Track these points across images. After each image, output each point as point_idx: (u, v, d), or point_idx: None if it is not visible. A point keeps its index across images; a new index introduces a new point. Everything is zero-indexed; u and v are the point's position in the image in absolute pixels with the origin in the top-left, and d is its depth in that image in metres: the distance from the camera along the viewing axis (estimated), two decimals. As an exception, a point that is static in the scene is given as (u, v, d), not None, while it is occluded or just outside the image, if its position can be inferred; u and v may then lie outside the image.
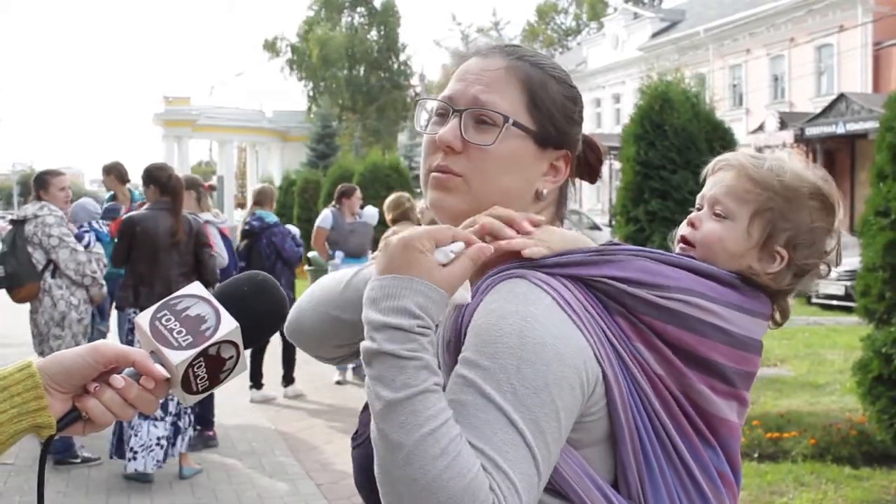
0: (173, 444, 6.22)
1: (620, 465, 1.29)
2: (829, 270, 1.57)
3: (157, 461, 6.11)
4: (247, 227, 8.98)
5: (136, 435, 6.07)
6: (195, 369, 1.23)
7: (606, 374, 1.26)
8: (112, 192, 8.35)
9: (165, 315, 1.25)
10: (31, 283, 6.54)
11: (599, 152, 1.57)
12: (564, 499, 1.27)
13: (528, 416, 1.19)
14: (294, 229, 9.57)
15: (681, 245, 1.56)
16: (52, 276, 6.58)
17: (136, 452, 6.07)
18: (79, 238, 6.86)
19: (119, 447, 6.26)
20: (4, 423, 1.17)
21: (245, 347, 1.27)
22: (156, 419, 6.08)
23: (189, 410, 6.33)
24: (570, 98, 1.48)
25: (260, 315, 1.31)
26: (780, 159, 1.56)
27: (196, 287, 1.29)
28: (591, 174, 1.59)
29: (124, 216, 6.77)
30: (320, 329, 1.58)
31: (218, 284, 1.34)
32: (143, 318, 1.25)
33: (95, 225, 7.46)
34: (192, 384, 1.25)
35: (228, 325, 1.24)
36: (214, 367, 1.25)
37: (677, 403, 1.33)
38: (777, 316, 1.52)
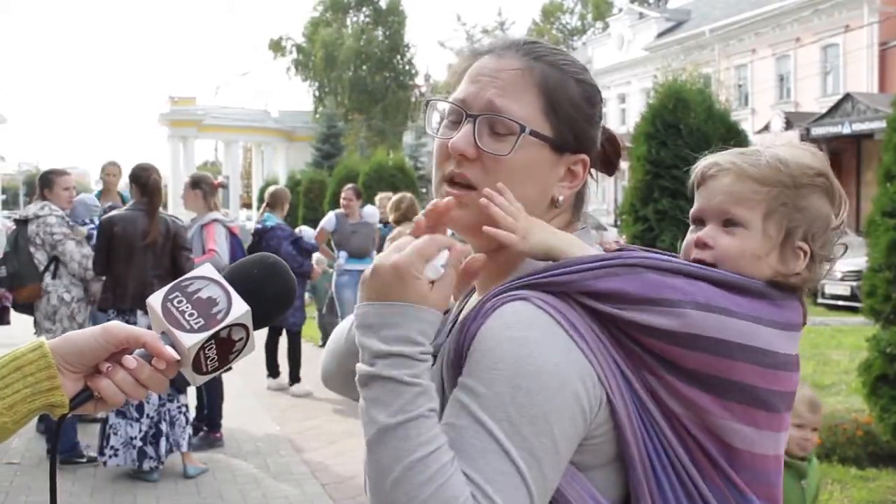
0: (155, 446, 6.19)
1: (632, 491, 1.24)
2: (842, 253, 1.45)
3: (133, 459, 6.16)
4: (253, 231, 9.26)
5: (115, 434, 6.14)
6: (206, 351, 1.24)
7: (612, 397, 1.21)
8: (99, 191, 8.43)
9: (177, 297, 1.26)
10: (32, 284, 6.56)
11: (618, 146, 1.50)
12: None
13: (522, 446, 1.16)
14: (308, 231, 9.59)
15: None
16: (53, 277, 6.60)
17: (116, 450, 6.14)
18: (89, 238, 6.88)
19: (101, 449, 6.25)
20: (18, 403, 1.18)
21: (254, 329, 1.28)
22: (132, 419, 6.12)
23: (183, 410, 6.31)
24: (588, 99, 1.41)
25: (269, 298, 1.31)
26: (771, 149, 1.45)
27: (207, 269, 1.29)
28: (609, 167, 1.52)
29: (103, 217, 6.75)
30: (344, 379, 1.53)
31: (228, 267, 1.33)
32: (154, 300, 1.26)
33: (97, 220, 7.48)
34: (203, 365, 1.26)
35: (240, 309, 1.25)
36: (225, 348, 1.27)
37: (700, 448, 1.25)
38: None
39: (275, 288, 1.33)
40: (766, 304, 1.29)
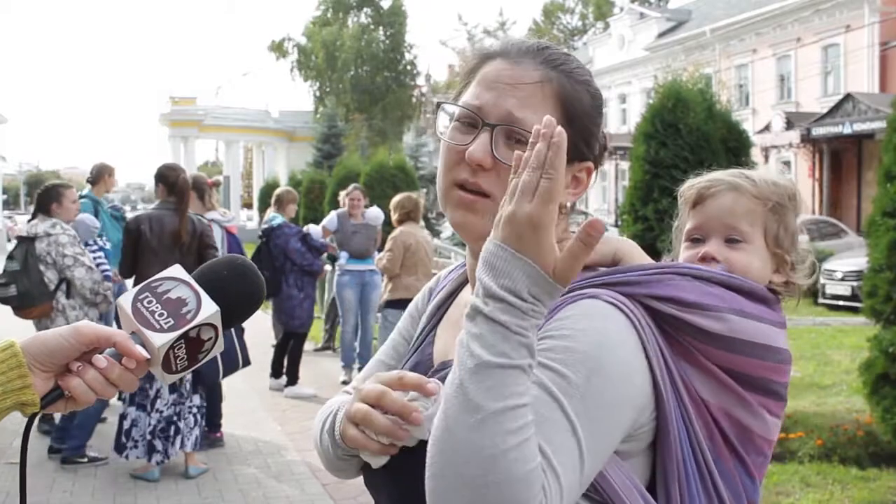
0: (164, 441, 6.22)
1: (663, 478, 1.29)
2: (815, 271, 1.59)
3: (145, 453, 6.21)
4: (261, 231, 9.33)
5: (136, 426, 6.20)
6: (176, 350, 1.26)
7: (660, 391, 1.26)
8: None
9: (147, 297, 1.28)
10: (43, 303, 6.48)
11: (605, 143, 1.53)
12: None
13: (588, 427, 1.18)
14: (315, 229, 9.60)
15: None
16: (67, 297, 6.54)
17: (136, 441, 6.20)
18: (98, 264, 6.87)
19: (119, 444, 6.27)
20: None
21: (223, 329, 1.30)
22: (148, 412, 6.17)
23: (194, 411, 6.33)
24: (597, 108, 1.45)
25: (238, 298, 1.33)
26: (755, 171, 1.57)
27: (177, 270, 1.32)
28: (596, 161, 1.53)
29: (130, 217, 6.76)
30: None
31: (198, 269, 1.35)
32: (125, 300, 1.28)
33: (100, 242, 7.49)
34: (172, 364, 1.28)
35: (209, 309, 1.27)
36: (194, 348, 1.28)
37: (719, 431, 1.33)
38: None
39: (243, 288, 1.35)
40: (771, 309, 1.42)
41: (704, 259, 1.50)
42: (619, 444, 1.26)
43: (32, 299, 6.47)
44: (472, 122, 1.39)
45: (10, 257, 6.60)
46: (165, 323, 1.25)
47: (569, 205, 1.44)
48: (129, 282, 6.79)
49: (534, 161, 1.16)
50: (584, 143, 1.42)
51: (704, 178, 1.56)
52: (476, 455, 1.10)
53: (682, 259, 1.54)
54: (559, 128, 1.16)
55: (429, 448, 1.16)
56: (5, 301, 6.55)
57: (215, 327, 1.29)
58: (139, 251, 6.29)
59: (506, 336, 1.14)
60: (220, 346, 1.32)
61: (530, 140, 1.18)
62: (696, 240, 1.54)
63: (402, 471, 1.33)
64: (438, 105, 1.45)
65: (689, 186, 1.57)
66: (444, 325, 1.60)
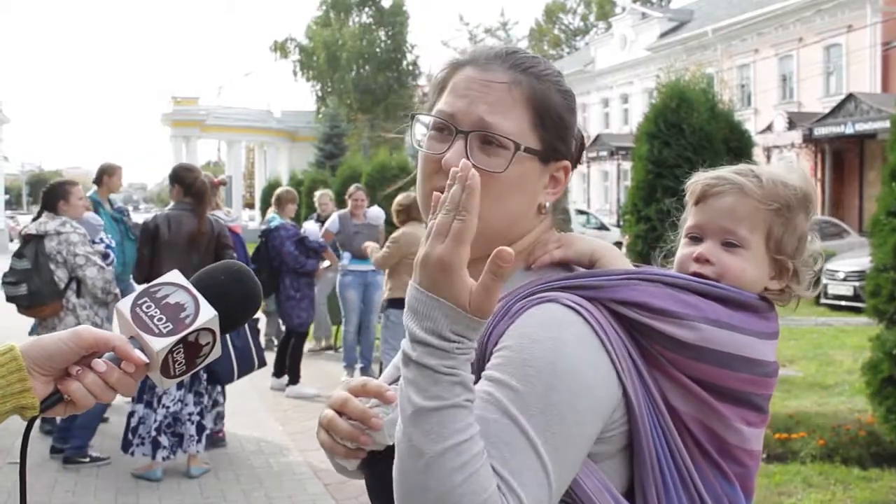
0: (170, 437, 6.24)
1: (639, 482, 1.29)
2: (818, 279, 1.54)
3: (146, 453, 6.22)
4: (260, 232, 9.40)
5: (143, 424, 6.21)
6: (174, 355, 1.27)
7: (629, 394, 1.26)
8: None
9: (146, 302, 1.30)
10: (54, 302, 6.43)
11: (583, 141, 1.55)
12: None
13: (550, 442, 1.19)
14: (312, 229, 9.59)
15: None
16: (78, 296, 6.51)
17: (143, 438, 6.22)
18: (105, 256, 6.86)
19: (125, 441, 6.28)
20: None
21: (221, 333, 1.31)
22: (154, 409, 6.18)
23: (194, 419, 6.32)
24: (569, 109, 1.46)
25: (235, 303, 1.35)
26: (766, 168, 1.51)
27: (175, 275, 1.34)
28: (573, 161, 1.55)
29: (147, 217, 6.75)
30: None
31: (196, 274, 1.36)
32: (123, 305, 1.29)
33: (105, 239, 7.48)
34: (171, 369, 1.29)
35: (207, 314, 1.29)
36: (192, 352, 1.30)
37: (692, 439, 1.33)
38: None
39: (241, 293, 1.36)
40: (758, 318, 1.39)
41: (698, 260, 1.46)
42: (592, 447, 1.26)
43: (43, 298, 6.41)
44: (446, 130, 1.40)
45: (20, 255, 6.51)
46: (164, 328, 1.27)
47: (548, 204, 1.46)
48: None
49: (449, 203, 1.18)
50: (560, 142, 1.43)
51: (711, 175, 1.52)
52: (426, 496, 1.14)
53: (678, 256, 1.52)
54: (474, 171, 1.18)
55: (393, 488, 1.19)
56: (15, 300, 6.48)
57: (213, 332, 1.30)
58: (155, 251, 6.30)
59: (436, 379, 1.16)
60: (217, 350, 1.33)
61: (447, 182, 1.20)
62: (694, 238, 1.50)
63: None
64: (412, 116, 1.47)
65: (696, 181, 1.54)
66: None
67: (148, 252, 6.34)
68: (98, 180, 8.49)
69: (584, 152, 1.56)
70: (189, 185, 6.41)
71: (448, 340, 1.16)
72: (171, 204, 6.56)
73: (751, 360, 1.33)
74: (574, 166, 1.53)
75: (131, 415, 6.25)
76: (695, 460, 1.33)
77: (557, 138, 1.43)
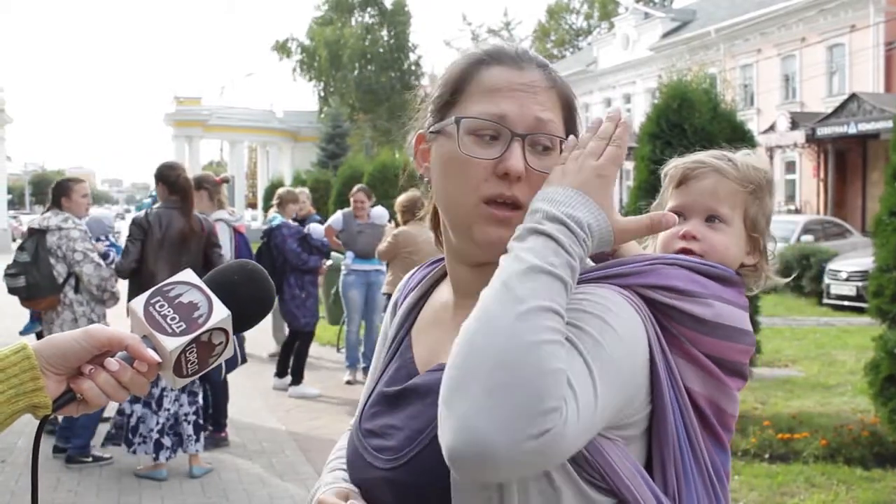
0: (190, 440, 6.26)
1: (659, 461, 1.30)
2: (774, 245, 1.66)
3: (148, 452, 6.24)
4: (262, 232, 9.41)
5: (143, 423, 6.22)
6: (187, 354, 1.27)
7: (659, 376, 1.28)
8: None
9: (159, 301, 1.28)
10: (51, 296, 6.52)
11: None
12: (616, 497, 1.26)
13: (598, 370, 1.17)
14: (316, 228, 9.60)
15: None
16: (75, 292, 6.55)
17: (144, 437, 6.23)
18: (105, 256, 6.88)
19: (127, 440, 6.29)
20: (2, 404, 1.20)
21: (233, 333, 1.31)
22: (154, 411, 6.19)
23: (191, 419, 6.34)
24: (576, 108, 1.49)
25: (248, 303, 1.34)
26: (735, 154, 1.63)
27: (188, 274, 1.33)
28: None
29: (132, 218, 6.77)
30: None
31: (209, 273, 1.36)
32: (137, 304, 1.28)
33: (112, 238, 7.49)
34: (183, 368, 1.28)
35: (220, 313, 1.28)
36: (205, 352, 1.29)
37: (700, 415, 1.36)
38: None
39: (254, 293, 1.36)
40: (740, 292, 1.44)
41: (685, 237, 1.53)
42: (623, 431, 1.27)
43: (40, 291, 6.51)
44: (494, 133, 1.36)
45: (22, 248, 6.64)
46: (178, 327, 1.26)
47: None
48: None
49: (601, 133, 1.29)
50: None
51: (689, 159, 1.62)
52: (516, 339, 1.10)
53: (662, 236, 1.56)
54: (626, 113, 1.21)
55: (461, 337, 1.14)
56: (14, 291, 6.60)
57: (226, 332, 1.29)
58: (145, 250, 6.30)
59: (557, 251, 1.18)
60: (230, 350, 1.33)
61: (585, 132, 1.30)
62: (678, 214, 1.56)
63: (398, 485, 1.35)
64: (457, 121, 1.39)
65: (674, 166, 1.63)
66: (419, 326, 1.59)
67: (137, 248, 6.34)
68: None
69: None
70: (172, 183, 6.42)
71: (581, 229, 1.21)
72: (159, 203, 6.57)
73: (745, 332, 1.39)
74: None
75: (128, 414, 6.24)
76: (705, 435, 1.37)
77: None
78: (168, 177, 6.44)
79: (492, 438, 1.06)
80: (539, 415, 1.07)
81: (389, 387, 1.50)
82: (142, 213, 6.59)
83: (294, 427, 8.00)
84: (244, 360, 6.91)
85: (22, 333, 8.13)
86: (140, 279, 6.32)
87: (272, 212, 9.88)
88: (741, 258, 1.55)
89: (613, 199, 1.26)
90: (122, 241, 7.82)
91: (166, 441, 6.22)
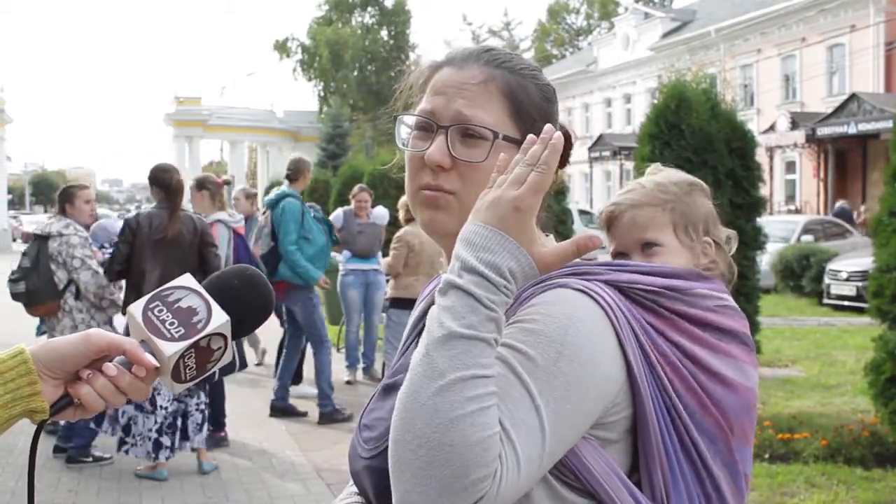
0: (172, 436, 6.25)
1: (644, 465, 1.30)
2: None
3: (149, 451, 6.22)
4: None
5: (135, 424, 6.22)
6: (185, 359, 1.26)
7: (634, 375, 1.28)
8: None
9: (158, 306, 1.28)
10: (51, 302, 6.53)
11: (570, 139, 1.58)
12: (593, 498, 1.27)
13: (551, 407, 1.19)
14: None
15: None
16: (76, 299, 6.56)
17: (136, 438, 6.23)
18: (104, 264, 6.88)
19: (119, 441, 6.30)
20: None
21: (232, 338, 1.31)
22: (148, 412, 6.18)
23: (202, 408, 6.35)
24: (547, 99, 1.49)
25: (248, 308, 1.34)
26: (646, 179, 1.71)
27: (187, 279, 1.32)
28: (561, 161, 1.57)
29: (129, 215, 6.77)
30: None
31: (208, 278, 1.36)
32: (135, 308, 1.28)
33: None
34: (182, 373, 1.28)
35: (220, 318, 1.28)
36: (203, 357, 1.29)
37: (712, 401, 1.35)
38: None
39: (253, 298, 1.35)
40: (710, 281, 1.46)
41: None
42: (598, 432, 1.28)
43: (40, 297, 6.53)
44: (427, 127, 1.44)
45: (25, 254, 6.69)
46: (176, 332, 1.25)
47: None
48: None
49: (528, 159, 1.24)
50: (538, 133, 1.44)
51: (609, 203, 1.73)
52: (435, 417, 1.13)
53: None
54: (558, 133, 1.24)
55: (393, 416, 1.19)
56: (16, 297, 6.62)
57: (225, 337, 1.29)
58: (135, 251, 6.30)
59: (475, 309, 1.18)
60: (228, 355, 1.32)
61: (522, 146, 1.27)
62: (621, 254, 1.69)
63: (377, 472, 1.37)
64: (395, 118, 1.52)
65: (601, 212, 1.74)
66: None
67: (125, 249, 6.33)
68: (294, 175, 8.40)
69: (588, 151, 1.59)
70: (167, 186, 6.42)
71: (502, 276, 1.19)
72: (153, 205, 6.57)
73: (730, 307, 1.44)
74: (563, 164, 1.57)
75: (118, 415, 6.24)
76: (708, 433, 1.34)
77: (536, 128, 1.42)
78: (163, 179, 6.44)
79: None
80: (466, 488, 1.11)
81: (388, 379, 1.55)
82: (132, 214, 6.60)
83: (294, 427, 8.00)
84: (243, 365, 6.91)
85: (38, 335, 8.14)
86: (132, 279, 6.33)
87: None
88: (692, 265, 1.62)
89: (534, 231, 1.24)
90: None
91: (165, 440, 6.22)
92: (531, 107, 1.45)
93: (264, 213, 8.40)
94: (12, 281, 6.60)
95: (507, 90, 1.44)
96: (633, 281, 1.34)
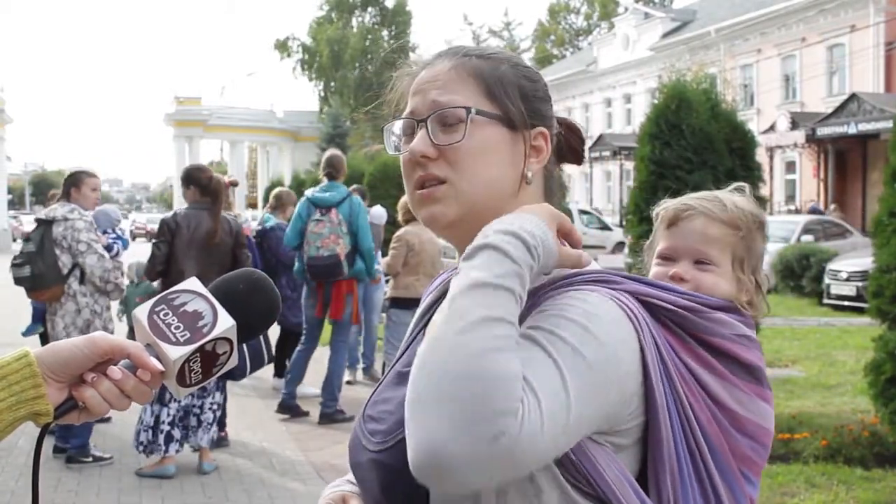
0: (192, 433, 6.28)
1: (654, 473, 1.30)
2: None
3: (160, 445, 6.23)
4: (254, 233, 9.35)
5: (161, 421, 6.24)
6: (191, 364, 1.26)
7: (652, 382, 1.27)
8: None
9: (163, 310, 1.27)
10: (56, 286, 6.51)
11: (580, 133, 1.58)
12: (601, 502, 1.26)
13: (575, 383, 1.17)
14: None
15: None
16: (80, 283, 6.55)
17: (156, 434, 6.24)
18: (109, 248, 6.88)
19: (147, 443, 6.30)
20: (3, 411, 1.19)
21: (238, 343, 1.30)
22: (165, 403, 6.21)
23: (215, 408, 6.36)
24: (526, 77, 1.48)
25: (254, 312, 1.34)
26: (726, 196, 1.64)
27: (193, 283, 1.31)
28: (576, 156, 1.60)
29: (161, 219, 6.77)
30: None
31: (214, 281, 1.36)
32: (141, 312, 1.27)
33: (118, 231, 7.49)
34: (187, 377, 1.28)
35: (225, 323, 1.27)
36: (209, 361, 1.28)
37: (720, 428, 1.35)
38: None
39: (260, 303, 1.35)
40: (738, 313, 1.47)
41: (673, 278, 1.56)
42: (612, 438, 1.27)
43: (45, 281, 6.50)
44: (411, 127, 1.46)
45: (28, 239, 6.67)
46: (181, 336, 1.25)
47: (530, 174, 1.46)
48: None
49: None
50: (520, 109, 1.44)
51: (679, 201, 1.65)
52: (460, 351, 1.11)
53: (652, 274, 1.62)
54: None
55: (414, 363, 1.16)
56: (19, 281, 6.62)
57: (231, 341, 1.28)
58: (174, 250, 6.33)
59: (501, 261, 1.19)
60: (234, 360, 1.31)
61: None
62: (667, 258, 1.62)
63: (385, 465, 1.36)
64: (382, 129, 1.53)
65: (665, 207, 1.65)
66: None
67: (165, 249, 6.37)
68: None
69: (588, 151, 1.59)
70: (205, 186, 6.48)
71: (531, 236, 1.23)
72: (187, 205, 6.58)
73: (750, 338, 1.43)
74: (579, 161, 1.58)
75: (150, 413, 6.24)
76: (721, 457, 1.35)
77: (515, 103, 1.44)
78: (199, 179, 6.50)
79: (448, 448, 1.07)
80: (490, 417, 1.07)
81: (401, 367, 1.54)
82: (170, 213, 6.62)
83: (294, 427, 8.00)
84: (271, 359, 6.92)
85: (24, 334, 8.14)
86: (170, 280, 6.32)
87: (265, 212, 9.83)
88: (732, 296, 1.56)
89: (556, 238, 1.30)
90: (126, 236, 7.87)
91: (176, 433, 6.24)
92: (506, 83, 1.44)
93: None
94: (16, 265, 6.57)
95: (476, 72, 1.44)
96: (652, 295, 1.34)
